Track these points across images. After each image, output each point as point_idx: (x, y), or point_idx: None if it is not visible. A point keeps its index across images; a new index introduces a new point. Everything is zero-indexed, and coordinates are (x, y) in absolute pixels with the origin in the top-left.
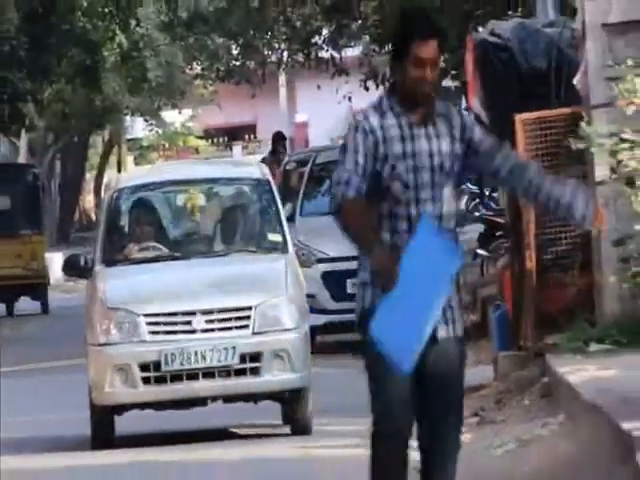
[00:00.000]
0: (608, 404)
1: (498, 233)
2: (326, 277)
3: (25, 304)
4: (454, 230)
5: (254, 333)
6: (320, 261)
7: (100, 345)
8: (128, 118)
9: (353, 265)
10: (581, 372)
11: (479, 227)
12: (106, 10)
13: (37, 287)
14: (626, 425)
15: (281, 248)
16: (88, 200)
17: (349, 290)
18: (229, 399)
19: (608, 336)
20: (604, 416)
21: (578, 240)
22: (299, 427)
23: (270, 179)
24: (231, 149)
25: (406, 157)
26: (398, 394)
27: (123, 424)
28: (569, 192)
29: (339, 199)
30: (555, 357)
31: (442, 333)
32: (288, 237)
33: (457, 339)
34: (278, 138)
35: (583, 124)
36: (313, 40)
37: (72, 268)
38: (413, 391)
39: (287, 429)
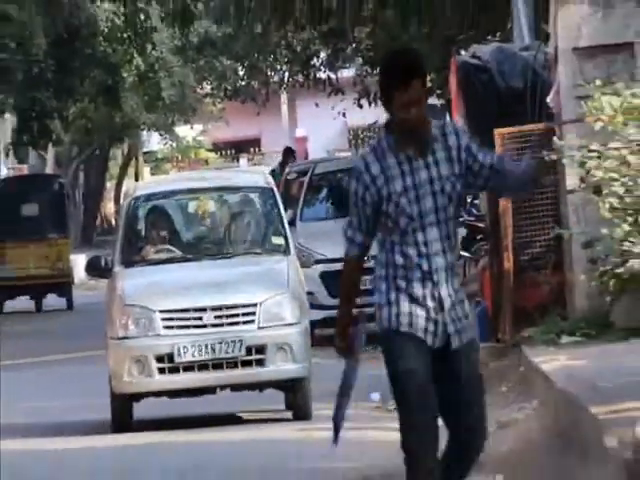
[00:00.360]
0: (578, 390)
1: (479, 237)
2: (324, 276)
3: (52, 300)
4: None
5: (259, 327)
6: (318, 262)
7: (119, 339)
8: (145, 133)
9: None
10: (553, 362)
11: (462, 231)
12: (125, 35)
13: (63, 285)
14: (594, 409)
15: (283, 250)
16: (109, 207)
17: None
18: (236, 388)
19: (578, 329)
20: (574, 401)
21: (551, 243)
22: (300, 413)
23: (274, 187)
24: (238, 161)
25: (408, 191)
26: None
27: (140, 410)
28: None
29: (345, 253)
30: (530, 348)
31: (456, 343)
32: (290, 240)
33: (469, 344)
34: (287, 152)
35: (555, 138)
36: (312, 62)
37: (94, 269)
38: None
39: (289, 414)
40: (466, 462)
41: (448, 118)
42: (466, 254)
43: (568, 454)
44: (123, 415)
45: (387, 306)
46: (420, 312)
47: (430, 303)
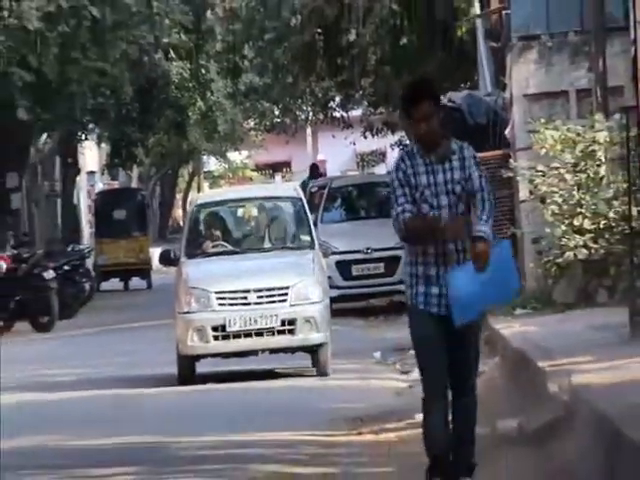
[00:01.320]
0: (528, 349)
1: None
2: (338, 264)
3: (136, 282)
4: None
5: (291, 305)
6: (334, 253)
7: (184, 313)
8: (205, 157)
9: (356, 256)
10: (510, 328)
11: None
12: (190, 85)
13: (144, 271)
14: (540, 363)
15: (310, 245)
16: (178, 212)
17: (354, 273)
18: (273, 351)
19: (528, 304)
20: (526, 357)
21: (508, 239)
22: (321, 370)
23: (303, 197)
24: (274, 178)
25: (430, 186)
26: (438, 357)
27: (201, 367)
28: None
29: (402, 225)
30: (493, 318)
31: None
32: (315, 238)
33: None
34: (314, 167)
35: (511, 161)
36: (329, 104)
37: (165, 260)
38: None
39: (313, 370)
40: (468, 414)
41: None
42: None
43: (521, 396)
44: (187, 371)
45: (409, 288)
46: (434, 290)
47: (442, 281)
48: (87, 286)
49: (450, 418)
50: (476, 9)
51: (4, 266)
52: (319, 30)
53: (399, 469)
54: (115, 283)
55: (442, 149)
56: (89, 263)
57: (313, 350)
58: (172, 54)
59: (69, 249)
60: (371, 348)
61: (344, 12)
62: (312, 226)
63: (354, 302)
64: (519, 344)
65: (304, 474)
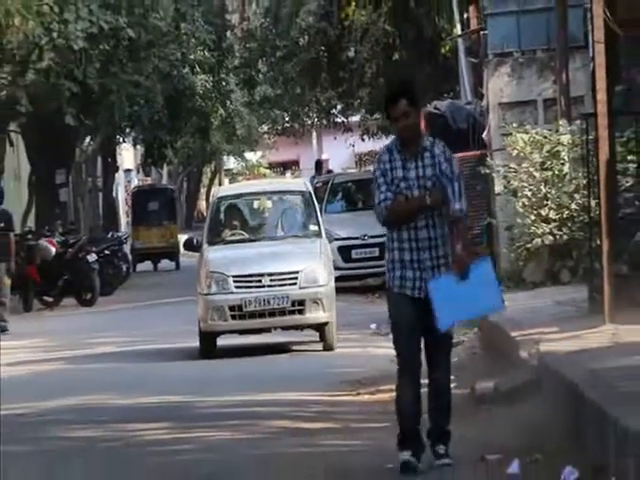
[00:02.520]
0: (502, 321)
1: None
2: (339, 249)
3: (166, 264)
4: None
5: (300, 287)
6: (336, 239)
7: (205, 294)
8: (225, 157)
9: (355, 242)
10: None
11: None
12: (213, 95)
13: (172, 254)
14: (512, 333)
15: (317, 234)
16: (202, 204)
17: (353, 256)
18: (285, 328)
19: (502, 282)
20: (500, 328)
21: (485, 227)
22: (327, 346)
23: (311, 191)
24: (284, 175)
25: (404, 179)
26: (411, 337)
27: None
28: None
29: (383, 210)
30: None
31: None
32: (322, 227)
33: None
34: (318, 162)
35: (488, 159)
36: (332, 112)
37: (189, 246)
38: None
39: (320, 346)
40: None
41: None
42: None
43: (496, 362)
44: (207, 346)
45: (388, 272)
46: (409, 274)
47: (415, 265)
48: (124, 267)
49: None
50: (458, 30)
51: (54, 250)
52: (323, 48)
53: (391, 424)
54: (149, 265)
55: (415, 146)
56: (126, 248)
57: (320, 328)
58: (197, 68)
59: (109, 236)
60: (368, 320)
61: (344, 32)
62: (319, 217)
63: (353, 281)
64: (494, 317)
65: (310, 428)
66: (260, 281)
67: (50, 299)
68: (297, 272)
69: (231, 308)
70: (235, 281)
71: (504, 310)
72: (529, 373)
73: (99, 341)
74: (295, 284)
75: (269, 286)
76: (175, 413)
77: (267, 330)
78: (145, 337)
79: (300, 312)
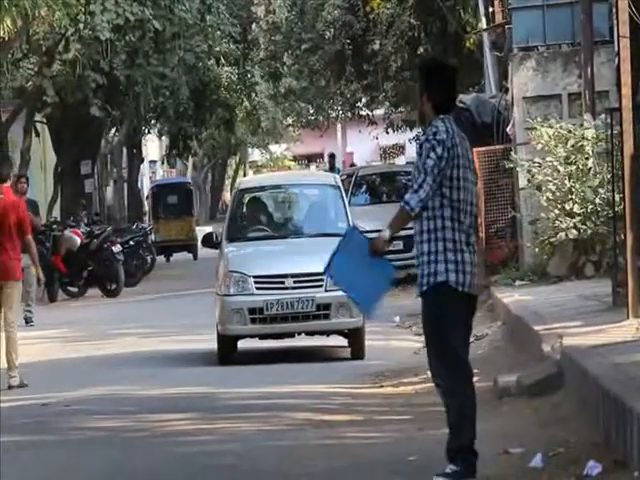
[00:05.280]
0: (526, 315)
1: None
2: None
3: (182, 256)
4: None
5: (326, 290)
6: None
7: (223, 295)
8: (250, 149)
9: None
10: (510, 297)
11: None
12: (238, 87)
13: (190, 246)
14: (536, 327)
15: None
16: (227, 196)
17: None
18: (309, 333)
19: (526, 276)
20: (523, 322)
21: (509, 221)
22: (356, 352)
23: (340, 185)
24: (309, 167)
25: None
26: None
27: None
28: None
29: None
30: (495, 288)
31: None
32: (351, 224)
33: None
34: (332, 156)
35: (512, 154)
36: (357, 104)
37: (207, 243)
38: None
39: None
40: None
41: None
42: None
43: (519, 355)
44: (226, 350)
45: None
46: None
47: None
48: (149, 259)
49: None
50: (483, 24)
51: (79, 241)
52: (348, 41)
53: (414, 417)
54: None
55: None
56: (150, 239)
57: (348, 334)
58: (222, 61)
59: (133, 227)
60: (391, 313)
61: (370, 25)
62: (349, 213)
63: None
64: (518, 311)
65: (333, 420)
66: (283, 282)
67: (75, 290)
68: (323, 274)
69: (251, 311)
70: (256, 282)
71: (369, 316)
72: (552, 367)
73: (123, 331)
74: (321, 286)
75: (293, 288)
76: (199, 404)
77: (290, 335)
78: (168, 327)
79: (326, 317)
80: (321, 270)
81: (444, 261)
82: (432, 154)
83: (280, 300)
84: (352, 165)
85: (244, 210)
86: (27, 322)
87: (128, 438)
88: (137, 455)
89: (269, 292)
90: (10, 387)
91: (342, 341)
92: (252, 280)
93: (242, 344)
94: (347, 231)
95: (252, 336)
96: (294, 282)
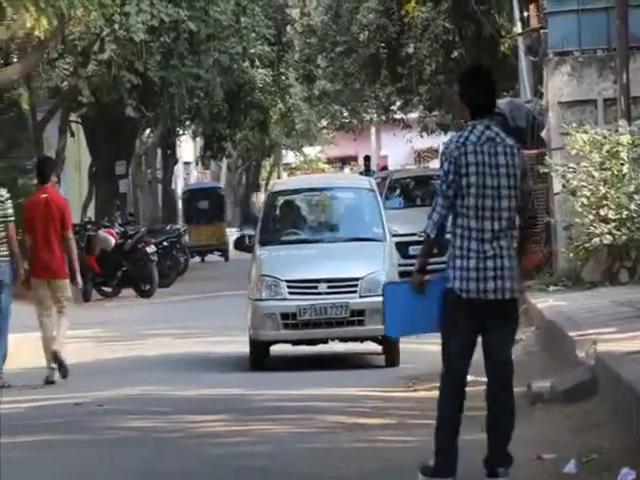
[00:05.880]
0: (560, 320)
1: None
2: (397, 245)
3: (214, 257)
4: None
5: (360, 296)
6: (394, 236)
7: (256, 300)
8: (284, 151)
9: (413, 238)
10: (544, 302)
11: None
12: (272, 89)
13: (222, 249)
14: (570, 333)
15: (381, 238)
16: (261, 197)
17: (410, 253)
18: (342, 339)
19: (560, 282)
20: (557, 327)
21: (543, 226)
22: (390, 360)
23: (376, 189)
24: (343, 170)
25: None
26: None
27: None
28: None
29: None
30: (530, 293)
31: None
32: (386, 229)
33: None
34: (367, 158)
35: (547, 158)
36: (391, 108)
37: (239, 246)
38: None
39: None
40: None
41: None
42: None
43: (553, 361)
44: (258, 355)
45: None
46: None
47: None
48: (182, 260)
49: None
50: (518, 28)
51: (113, 241)
52: (383, 44)
53: None
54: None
55: None
56: (184, 240)
57: (382, 340)
58: (257, 63)
59: (167, 228)
60: None
61: (404, 29)
62: (384, 218)
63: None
64: (552, 316)
65: (365, 424)
66: (316, 287)
67: (109, 290)
68: (357, 279)
69: (284, 316)
70: (289, 286)
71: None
72: (586, 373)
73: (157, 332)
74: (355, 292)
75: (326, 293)
76: (232, 406)
77: (323, 341)
78: (201, 329)
79: (360, 323)
80: (355, 275)
81: (452, 268)
82: (440, 171)
83: (313, 305)
84: (384, 168)
85: (277, 213)
86: None
87: (161, 439)
88: (169, 456)
89: (302, 297)
90: (50, 382)
91: (376, 347)
92: (285, 285)
93: (275, 350)
94: (383, 291)
95: (284, 342)
96: (328, 287)
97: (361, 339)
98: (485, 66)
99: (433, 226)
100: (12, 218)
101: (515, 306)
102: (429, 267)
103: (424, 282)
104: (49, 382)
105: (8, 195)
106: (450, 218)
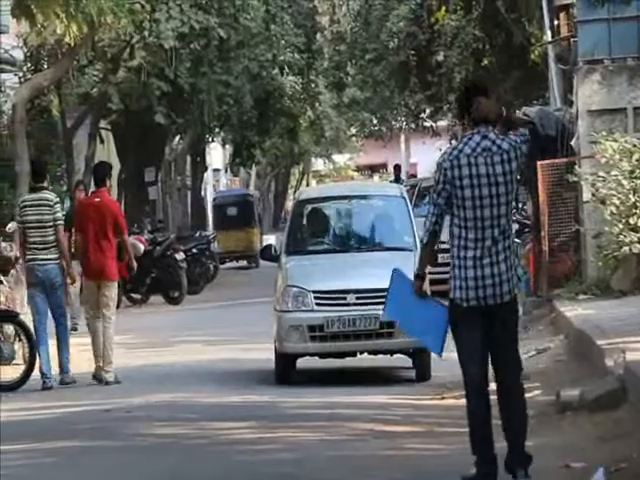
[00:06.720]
0: (589, 329)
1: (526, 229)
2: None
3: (245, 264)
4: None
5: None
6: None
7: (282, 311)
8: (313, 159)
9: (441, 246)
10: (573, 311)
11: (515, 226)
12: (301, 97)
13: (251, 256)
14: (599, 342)
15: (412, 247)
16: (290, 205)
17: (439, 261)
18: (371, 352)
19: (589, 290)
20: (586, 336)
21: (572, 234)
22: (421, 373)
23: (406, 196)
24: (372, 177)
25: None
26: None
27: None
28: None
29: None
30: (558, 302)
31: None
32: (417, 239)
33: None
34: (397, 167)
35: (576, 167)
36: (420, 115)
37: (265, 256)
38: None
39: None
40: None
41: None
42: (518, 240)
43: (582, 369)
44: (284, 368)
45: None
46: None
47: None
48: (212, 267)
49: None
50: (548, 36)
51: (142, 248)
52: (412, 51)
53: None
54: (232, 263)
55: None
56: (214, 247)
57: (413, 354)
58: (286, 70)
59: (197, 235)
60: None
61: (434, 37)
62: (415, 227)
63: (439, 285)
64: (581, 325)
65: (394, 431)
66: (345, 299)
67: (138, 296)
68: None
69: (311, 328)
70: (316, 297)
71: (436, 353)
72: (615, 381)
73: (185, 339)
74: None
75: (355, 305)
76: (260, 413)
77: (352, 354)
78: (229, 336)
79: (389, 335)
80: (385, 286)
81: (452, 277)
82: (434, 182)
83: (341, 317)
84: (412, 176)
85: (304, 222)
86: (73, 330)
87: (189, 445)
88: (197, 463)
89: (330, 308)
90: (107, 383)
91: (407, 361)
92: (312, 295)
93: (301, 363)
94: (392, 274)
95: (312, 355)
96: (356, 298)
97: (391, 352)
98: (476, 80)
99: (425, 232)
100: (61, 222)
101: (514, 305)
102: (440, 277)
103: (422, 290)
104: (103, 382)
105: (57, 200)
106: (448, 230)
